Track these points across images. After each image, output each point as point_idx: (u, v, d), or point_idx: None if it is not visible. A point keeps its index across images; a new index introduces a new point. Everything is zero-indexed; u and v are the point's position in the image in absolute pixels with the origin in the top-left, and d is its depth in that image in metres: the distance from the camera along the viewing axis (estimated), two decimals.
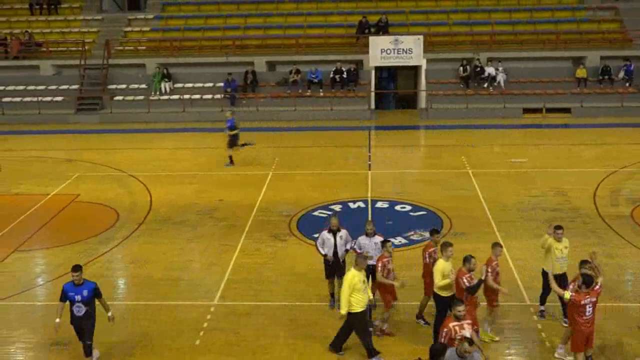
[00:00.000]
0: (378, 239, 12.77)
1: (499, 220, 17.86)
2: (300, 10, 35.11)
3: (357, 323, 11.58)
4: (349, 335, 11.85)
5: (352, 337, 12.10)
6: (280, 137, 27.90)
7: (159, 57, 33.03)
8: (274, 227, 17.88)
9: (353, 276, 11.41)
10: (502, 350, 12.01)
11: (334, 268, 13.18)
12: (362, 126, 29.17)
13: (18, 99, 32.34)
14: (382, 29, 32.38)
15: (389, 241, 12.55)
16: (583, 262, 11.28)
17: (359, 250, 12.68)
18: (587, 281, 10.80)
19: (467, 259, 11.50)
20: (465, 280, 11.30)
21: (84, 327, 11.31)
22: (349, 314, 11.52)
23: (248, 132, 28.79)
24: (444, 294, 11.70)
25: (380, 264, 12.17)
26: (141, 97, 31.83)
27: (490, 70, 30.86)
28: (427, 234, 17.00)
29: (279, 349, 12.19)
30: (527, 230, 17.21)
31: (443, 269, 11.65)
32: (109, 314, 11.47)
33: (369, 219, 12.52)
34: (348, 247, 13.16)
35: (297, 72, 31.32)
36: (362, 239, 12.87)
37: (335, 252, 13.05)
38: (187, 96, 31.51)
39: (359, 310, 11.46)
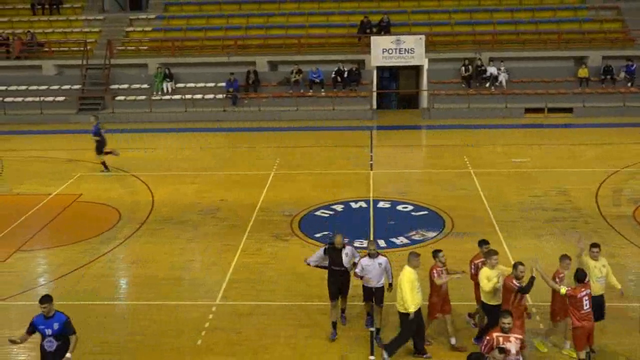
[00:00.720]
0: (382, 259, 12.13)
1: (500, 220, 17.86)
2: (302, 10, 35.12)
3: (405, 322, 11.42)
4: (423, 333, 11.75)
5: (355, 335, 12.11)
6: (281, 137, 27.91)
7: (160, 57, 33.04)
8: (275, 227, 17.89)
9: (410, 273, 11.35)
10: None
11: (341, 285, 12.47)
12: (364, 126, 29.17)
13: (20, 99, 32.36)
14: (384, 28, 32.37)
15: (440, 251, 12.04)
16: None
17: (359, 274, 12.21)
18: (580, 277, 11.01)
19: (515, 266, 11.09)
20: (515, 282, 10.97)
21: None
22: (399, 312, 11.41)
23: (248, 132, 28.95)
24: (492, 302, 11.41)
25: (435, 273, 11.81)
26: (143, 97, 31.84)
27: (492, 70, 30.84)
28: (428, 234, 17.12)
29: (280, 348, 12.19)
30: (529, 230, 17.21)
31: (488, 275, 11.37)
32: (68, 354, 10.10)
33: (371, 239, 12.05)
34: (356, 260, 12.44)
35: (299, 72, 31.32)
36: (365, 261, 12.16)
37: (344, 270, 12.38)
38: (189, 96, 31.52)
39: (410, 311, 11.31)
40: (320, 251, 12.68)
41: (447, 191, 20.30)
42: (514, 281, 11.03)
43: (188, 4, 36.19)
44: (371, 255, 12.13)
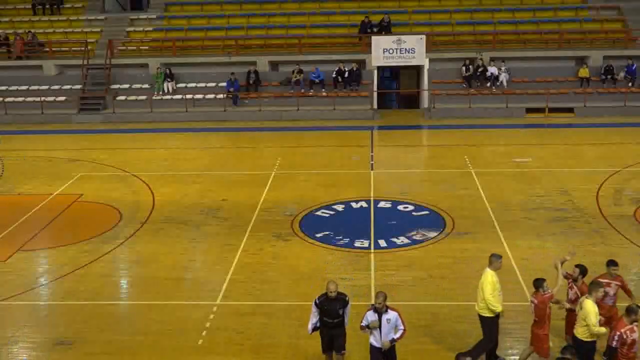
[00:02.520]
0: (391, 314, 10.49)
1: (502, 220, 17.84)
2: (302, 10, 35.11)
3: (485, 326, 11.13)
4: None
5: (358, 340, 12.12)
6: (282, 136, 27.90)
7: (161, 57, 33.03)
8: (276, 226, 17.89)
9: (492, 275, 11.00)
10: (505, 350, 12.00)
11: (332, 338, 11.02)
12: (365, 126, 29.15)
13: (21, 99, 32.36)
14: (385, 28, 32.36)
15: (544, 280, 10.89)
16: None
17: (364, 325, 10.64)
18: (584, 270, 11.25)
19: (632, 310, 9.85)
20: (616, 337, 9.81)
21: None
22: (485, 317, 11.10)
23: (249, 132, 28.94)
24: (586, 337, 10.32)
25: (539, 299, 10.85)
26: (144, 97, 31.85)
27: (493, 69, 30.81)
28: (429, 234, 17.11)
29: (282, 348, 12.20)
30: (530, 230, 17.19)
31: (593, 310, 10.17)
32: None
33: (379, 291, 10.78)
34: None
35: (300, 71, 31.32)
36: (370, 315, 10.57)
37: (338, 322, 10.94)
38: (189, 96, 31.52)
39: (491, 314, 11.06)
40: (313, 307, 11.04)
41: (448, 191, 20.29)
42: (620, 333, 9.85)
43: (189, 4, 36.18)
44: (377, 310, 10.49)
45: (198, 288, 14.72)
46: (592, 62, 31.26)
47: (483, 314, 11.21)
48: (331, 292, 10.73)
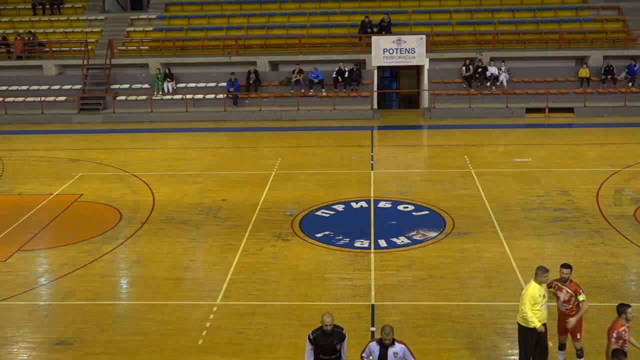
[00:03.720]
0: (398, 347, 9.68)
1: (502, 220, 17.85)
2: (303, 10, 35.12)
3: (527, 338, 10.82)
4: (546, 353, 11.03)
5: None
6: (282, 136, 27.92)
7: (161, 56, 33.05)
8: (276, 226, 17.89)
9: (533, 289, 10.63)
10: (505, 350, 12.01)
11: None
12: (365, 126, 29.16)
13: (21, 99, 32.37)
14: (385, 28, 32.37)
15: (629, 306, 9.94)
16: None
17: (365, 357, 9.96)
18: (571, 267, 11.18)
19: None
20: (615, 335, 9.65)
21: None
22: (522, 326, 10.83)
23: (249, 132, 28.96)
24: None
25: (614, 334, 9.87)
26: (144, 97, 31.86)
27: (493, 69, 30.82)
28: (429, 234, 17.12)
29: (282, 348, 12.20)
30: (530, 230, 17.19)
31: None
32: None
33: (386, 324, 9.95)
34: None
35: (300, 72, 31.32)
36: (373, 346, 9.82)
37: (338, 358, 10.08)
38: (189, 96, 31.53)
39: (533, 325, 10.71)
40: (307, 344, 10.14)
41: (448, 191, 20.29)
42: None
43: (189, 4, 36.18)
44: (384, 344, 9.71)
45: (198, 288, 14.73)
46: (592, 62, 31.28)
47: (520, 324, 10.92)
48: (326, 325, 9.80)
